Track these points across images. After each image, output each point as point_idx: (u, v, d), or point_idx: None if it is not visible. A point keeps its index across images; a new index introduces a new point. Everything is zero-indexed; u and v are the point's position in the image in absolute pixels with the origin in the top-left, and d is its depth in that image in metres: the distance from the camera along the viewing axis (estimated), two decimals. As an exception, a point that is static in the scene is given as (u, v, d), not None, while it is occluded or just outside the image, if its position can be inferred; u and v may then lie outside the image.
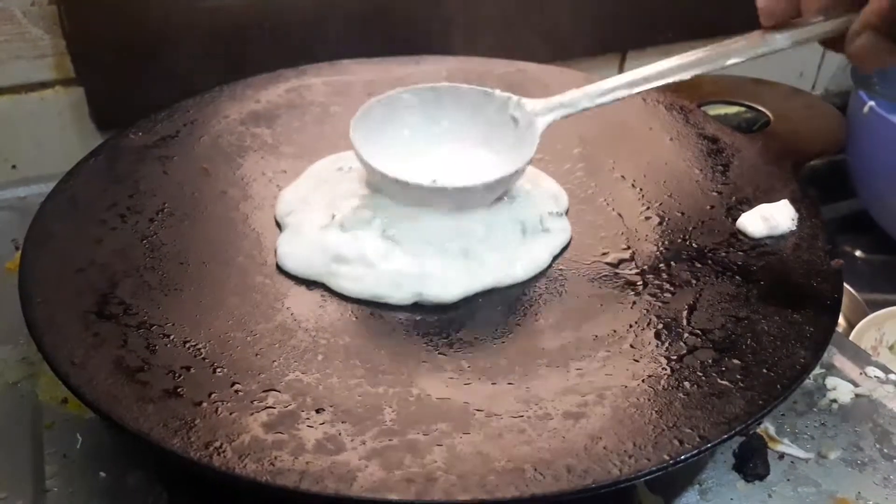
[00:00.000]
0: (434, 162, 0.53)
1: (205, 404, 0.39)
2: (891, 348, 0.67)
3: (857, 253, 0.80)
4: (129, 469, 0.44)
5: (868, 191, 0.80)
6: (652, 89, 0.51)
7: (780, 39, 0.48)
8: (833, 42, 0.46)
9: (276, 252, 0.50)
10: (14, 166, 0.71)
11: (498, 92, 0.54)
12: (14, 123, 0.70)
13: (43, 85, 0.70)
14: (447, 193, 0.49)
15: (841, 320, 0.71)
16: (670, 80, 0.50)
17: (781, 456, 0.46)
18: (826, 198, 0.84)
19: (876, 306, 0.68)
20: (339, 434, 0.38)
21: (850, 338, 0.64)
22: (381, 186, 0.51)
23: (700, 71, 0.50)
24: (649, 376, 0.42)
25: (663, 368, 0.42)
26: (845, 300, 0.70)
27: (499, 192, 0.51)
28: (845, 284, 0.69)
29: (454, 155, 0.54)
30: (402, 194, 0.50)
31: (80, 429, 0.46)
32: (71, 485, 0.44)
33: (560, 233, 0.52)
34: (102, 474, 0.44)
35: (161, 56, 0.69)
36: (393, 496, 0.35)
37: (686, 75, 0.50)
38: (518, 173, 0.51)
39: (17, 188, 0.68)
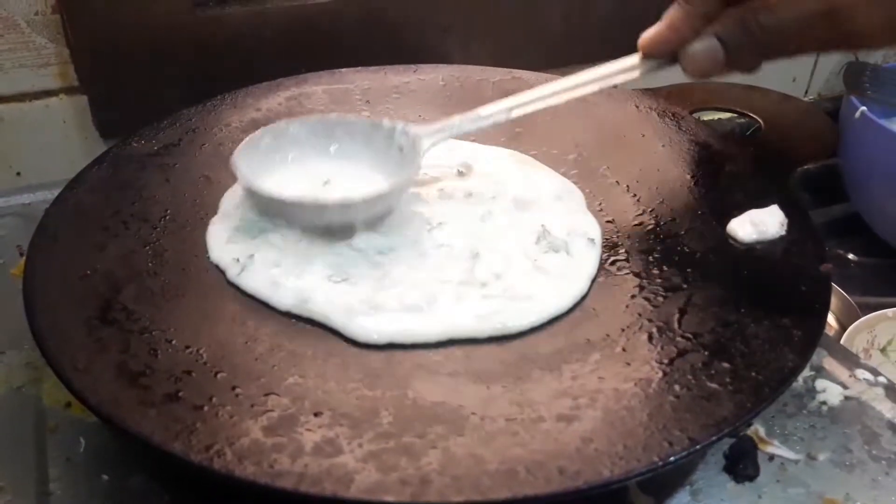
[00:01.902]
0: (319, 186, 0.54)
1: (205, 408, 0.40)
2: (882, 350, 0.68)
3: (850, 256, 0.81)
4: (131, 472, 0.45)
5: (860, 194, 0.81)
6: (590, 96, 0.54)
7: (651, 65, 0.52)
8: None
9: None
10: (19, 173, 0.72)
11: (385, 122, 0.56)
12: (18, 131, 0.71)
13: (47, 93, 0.71)
14: (327, 209, 0.50)
15: (833, 323, 0.71)
16: (547, 104, 0.54)
17: (771, 457, 0.47)
18: (819, 201, 0.85)
19: (868, 309, 0.69)
20: (337, 437, 0.39)
21: (843, 340, 0.65)
22: (266, 209, 0.52)
23: (576, 95, 0.54)
24: (640, 379, 0.43)
25: (654, 372, 0.43)
26: (838, 303, 0.71)
27: (380, 207, 0.52)
28: (838, 287, 0.71)
29: (341, 179, 0.55)
30: (284, 213, 0.51)
31: (83, 432, 0.47)
32: (74, 488, 0.45)
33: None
34: (105, 477, 0.45)
35: (163, 65, 0.70)
36: (389, 498, 0.36)
37: (562, 99, 0.54)
38: (399, 189, 0.52)
39: (21, 195, 0.69)
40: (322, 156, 0.56)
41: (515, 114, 0.54)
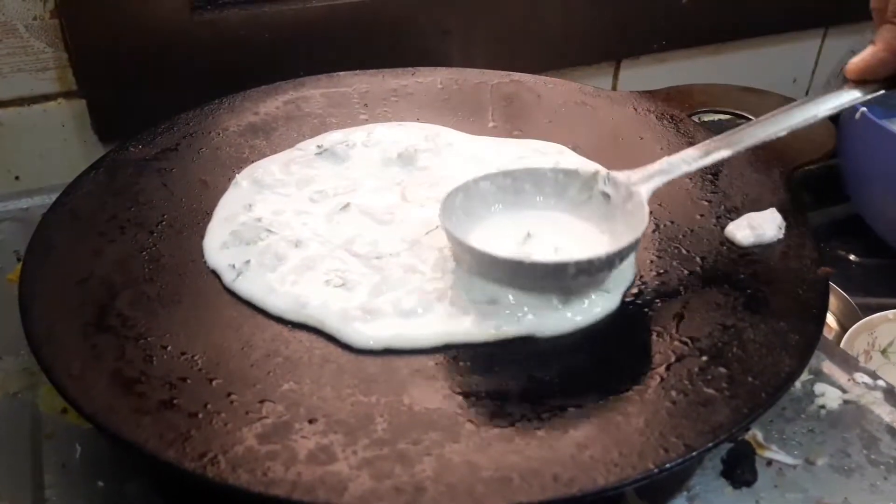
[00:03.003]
0: (521, 241, 0.50)
1: (200, 415, 0.40)
2: (883, 352, 0.68)
3: (850, 257, 0.81)
4: (126, 479, 0.45)
5: (861, 195, 0.81)
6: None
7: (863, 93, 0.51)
8: None
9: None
10: (17, 177, 0.72)
11: (582, 171, 0.52)
12: (17, 135, 0.71)
13: (45, 97, 0.71)
14: (566, 268, 0.45)
15: (834, 324, 0.71)
16: (756, 141, 0.52)
17: (769, 462, 0.47)
18: (819, 202, 0.85)
19: (868, 310, 0.68)
20: (331, 444, 0.39)
21: (843, 342, 0.64)
22: (474, 265, 0.48)
23: (789, 129, 0.52)
24: (637, 385, 0.42)
25: (651, 377, 0.43)
26: (838, 304, 0.71)
27: (618, 263, 0.48)
28: (838, 288, 0.70)
29: (542, 231, 0.51)
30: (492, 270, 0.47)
31: (79, 439, 0.47)
32: (69, 494, 0.45)
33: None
34: (101, 484, 0.45)
35: (162, 68, 0.70)
36: (382, 505, 0.36)
37: (783, 132, 0.52)
38: (636, 242, 0.47)
39: (19, 200, 0.69)
40: (514, 210, 0.52)
41: (732, 151, 0.52)
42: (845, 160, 0.79)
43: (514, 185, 0.52)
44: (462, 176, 0.52)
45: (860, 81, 0.50)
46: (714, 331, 0.46)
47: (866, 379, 0.52)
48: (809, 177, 0.83)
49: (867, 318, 0.67)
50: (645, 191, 0.50)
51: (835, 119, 0.77)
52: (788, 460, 0.47)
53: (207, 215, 0.55)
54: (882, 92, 0.50)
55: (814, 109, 0.52)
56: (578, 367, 0.44)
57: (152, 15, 0.69)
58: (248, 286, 0.48)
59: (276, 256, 0.50)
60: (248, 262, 0.50)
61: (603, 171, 0.52)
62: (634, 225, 0.48)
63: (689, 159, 0.52)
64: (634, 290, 0.49)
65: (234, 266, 0.49)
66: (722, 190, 0.58)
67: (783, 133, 0.52)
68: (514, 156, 0.60)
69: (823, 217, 0.84)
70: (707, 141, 0.52)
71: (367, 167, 0.60)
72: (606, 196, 0.51)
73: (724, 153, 0.51)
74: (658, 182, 0.51)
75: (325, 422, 0.40)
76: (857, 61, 0.49)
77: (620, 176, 0.51)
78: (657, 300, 0.48)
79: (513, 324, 0.46)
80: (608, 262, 0.46)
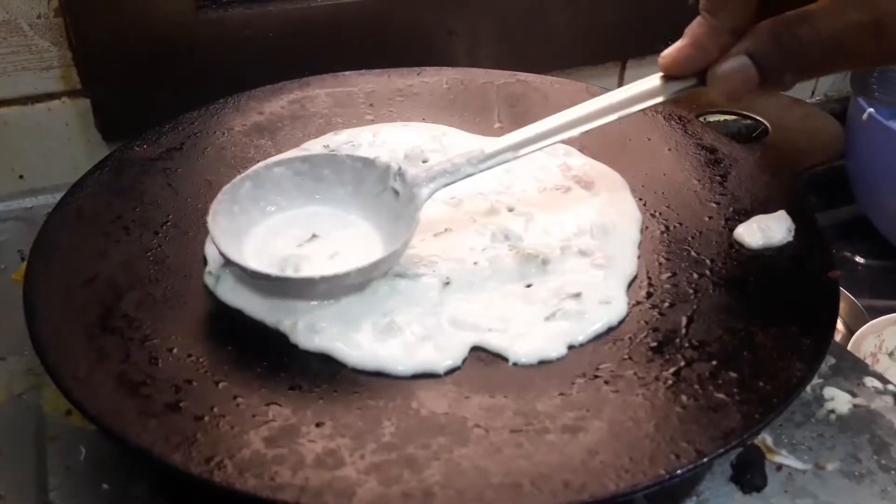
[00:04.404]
0: (305, 241, 0.50)
1: (206, 418, 0.40)
2: (891, 355, 0.67)
3: (857, 259, 0.80)
4: (131, 481, 0.45)
5: (867, 196, 0.80)
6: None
7: (676, 87, 0.46)
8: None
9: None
10: (21, 176, 0.72)
11: (379, 161, 0.51)
12: (21, 134, 0.71)
13: (50, 96, 0.70)
14: (315, 284, 0.46)
15: (841, 327, 0.71)
16: (556, 139, 0.49)
17: (779, 467, 0.47)
18: (826, 203, 0.84)
19: (876, 312, 0.68)
20: (339, 448, 0.38)
21: (850, 345, 0.64)
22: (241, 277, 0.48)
23: (594, 126, 0.48)
24: (647, 390, 0.42)
25: (661, 382, 0.43)
26: (845, 306, 0.70)
27: (374, 275, 0.47)
28: (845, 291, 0.70)
29: (329, 229, 0.51)
30: (268, 287, 0.47)
31: (84, 441, 0.47)
32: (74, 497, 0.44)
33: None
34: (105, 486, 0.45)
35: (166, 67, 0.70)
36: (391, 511, 0.36)
37: (576, 132, 0.49)
38: (395, 255, 0.47)
39: (23, 199, 0.69)
40: (308, 202, 0.52)
41: (524, 152, 0.49)
42: (852, 161, 0.79)
43: (313, 172, 0.51)
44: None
45: (669, 76, 0.46)
46: (724, 335, 0.46)
47: (876, 383, 0.52)
48: (815, 178, 0.82)
49: (874, 321, 0.67)
50: (425, 193, 0.49)
51: (843, 120, 0.76)
52: (798, 465, 0.47)
53: (213, 216, 0.54)
54: (692, 86, 0.46)
55: (617, 112, 0.48)
56: (588, 373, 0.44)
57: (157, 14, 0.68)
58: (227, 293, 0.48)
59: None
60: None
61: (395, 165, 0.50)
62: (400, 234, 0.47)
63: (475, 160, 0.49)
64: (643, 293, 0.49)
65: (210, 273, 0.49)
66: (730, 192, 0.57)
67: (577, 134, 0.49)
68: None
69: (830, 218, 0.84)
70: (496, 140, 0.50)
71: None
72: (396, 193, 0.50)
73: (507, 156, 0.49)
74: (441, 183, 0.49)
75: (332, 425, 0.40)
76: (665, 55, 0.45)
77: (409, 172, 0.50)
78: (667, 303, 0.48)
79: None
80: (360, 276, 0.46)
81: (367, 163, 0.51)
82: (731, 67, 0.43)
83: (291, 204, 0.52)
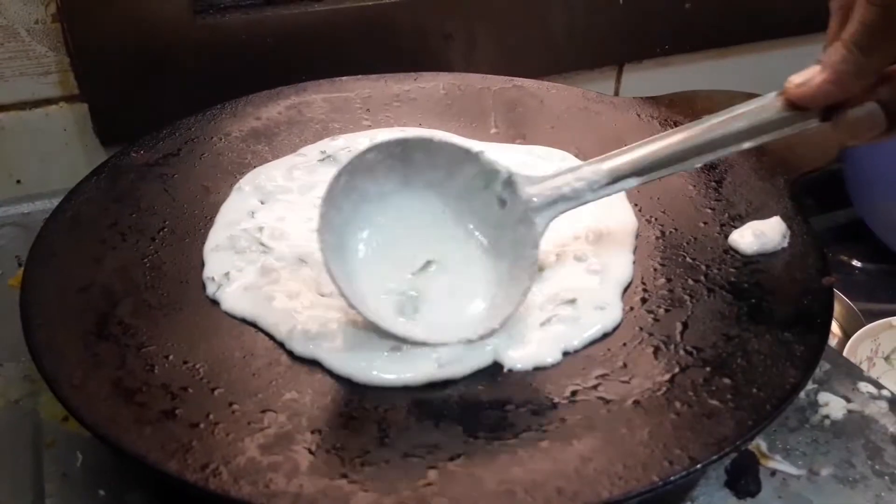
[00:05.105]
0: (419, 268, 0.48)
1: (202, 425, 0.40)
2: (887, 359, 0.68)
3: (854, 262, 0.81)
4: (128, 488, 0.45)
5: (864, 200, 0.80)
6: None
7: (800, 122, 0.45)
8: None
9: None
10: (19, 181, 0.72)
11: (483, 155, 0.47)
12: (19, 139, 0.71)
13: (47, 101, 0.70)
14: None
15: (837, 330, 0.71)
16: (675, 169, 0.47)
17: (773, 472, 0.47)
18: (822, 207, 0.84)
19: (872, 316, 0.68)
20: (334, 455, 0.39)
21: (846, 349, 0.64)
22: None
23: (710, 159, 0.47)
24: (641, 396, 0.42)
25: (656, 388, 0.43)
26: (841, 310, 0.70)
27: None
28: (841, 294, 0.70)
29: (436, 245, 0.48)
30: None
31: (81, 447, 0.47)
32: (70, 503, 0.44)
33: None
34: (102, 493, 0.45)
35: (164, 73, 0.70)
36: (386, 519, 0.36)
37: (695, 165, 0.48)
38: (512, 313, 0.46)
39: (20, 204, 0.69)
40: (401, 187, 0.48)
41: (646, 178, 0.47)
42: (849, 165, 0.79)
43: (404, 154, 0.47)
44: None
45: (794, 106, 0.44)
46: (718, 341, 0.46)
47: (870, 388, 0.52)
48: (812, 182, 0.82)
49: (870, 325, 0.67)
50: (541, 223, 0.46)
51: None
52: (792, 470, 0.47)
53: (209, 221, 0.55)
54: (815, 123, 0.44)
55: (735, 145, 0.46)
56: (583, 379, 0.44)
57: (154, 19, 0.68)
58: (229, 301, 0.48)
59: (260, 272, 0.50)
60: (226, 274, 0.49)
61: (504, 171, 0.47)
62: (518, 279, 0.46)
63: (596, 186, 0.47)
64: (638, 299, 0.49)
65: (213, 279, 0.49)
66: (725, 197, 0.57)
67: (696, 167, 0.48)
68: (517, 161, 0.59)
69: (826, 222, 0.84)
70: (613, 160, 0.48)
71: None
72: (502, 201, 0.48)
73: (631, 182, 0.47)
74: (558, 211, 0.47)
75: (327, 432, 0.40)
76: (799, 84, 0.43)
77: (522, 187, 0.46)
78: (662, 309, 0.48)
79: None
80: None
81: (470, 154, 0.47)
82: (864, 114, 0.41)
83: (387, 203, 0.47)
